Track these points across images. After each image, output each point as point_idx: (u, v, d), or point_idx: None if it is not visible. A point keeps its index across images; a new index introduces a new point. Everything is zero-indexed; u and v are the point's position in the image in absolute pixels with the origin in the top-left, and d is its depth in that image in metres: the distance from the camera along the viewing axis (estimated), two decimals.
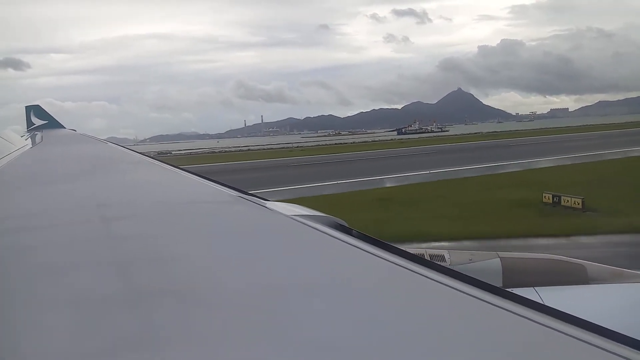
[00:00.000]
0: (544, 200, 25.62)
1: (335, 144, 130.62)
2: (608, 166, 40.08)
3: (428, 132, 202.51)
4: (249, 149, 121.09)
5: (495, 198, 27.29)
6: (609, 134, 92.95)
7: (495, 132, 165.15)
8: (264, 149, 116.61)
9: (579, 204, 23.94)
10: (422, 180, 36.40)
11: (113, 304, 1.41)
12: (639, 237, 19.24)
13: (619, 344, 1.09)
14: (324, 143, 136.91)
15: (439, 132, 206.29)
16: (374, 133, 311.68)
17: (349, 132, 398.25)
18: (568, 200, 24.53)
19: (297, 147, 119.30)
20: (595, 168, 39.35)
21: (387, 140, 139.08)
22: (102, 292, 1.51)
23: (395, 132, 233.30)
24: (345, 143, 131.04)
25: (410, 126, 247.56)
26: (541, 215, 23.47)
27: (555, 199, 25.16)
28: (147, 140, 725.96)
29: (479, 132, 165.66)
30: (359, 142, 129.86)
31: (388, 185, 36.33)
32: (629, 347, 1.07)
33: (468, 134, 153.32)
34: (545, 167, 42.69)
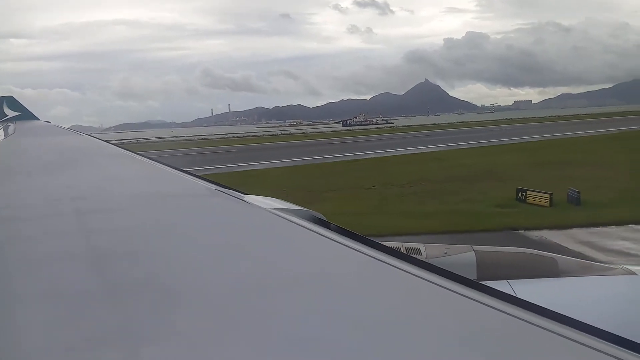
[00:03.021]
0: None
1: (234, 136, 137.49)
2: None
3: (373, 125, 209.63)
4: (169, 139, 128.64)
5: None
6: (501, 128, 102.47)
7: (412, 125, 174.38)
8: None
9: None
10: None
11: (87, 299, 1.38)
12: None
13: (588, 335, 1.12)
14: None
15: (383, 124, 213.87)
16: (318, 124, 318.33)
17: (312, 122, 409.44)
18: None
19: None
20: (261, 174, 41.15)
21: (301, 132, 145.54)
22: (76, 287, 1.49)
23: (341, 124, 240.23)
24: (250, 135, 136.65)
25: (356, 118, 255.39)
26: None
27: None
28: (112, 128, 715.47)
29: (394, 126, 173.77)
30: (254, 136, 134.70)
31: None
32: (597, 338, 1.11)
33: (384, 128, 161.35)
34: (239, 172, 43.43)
